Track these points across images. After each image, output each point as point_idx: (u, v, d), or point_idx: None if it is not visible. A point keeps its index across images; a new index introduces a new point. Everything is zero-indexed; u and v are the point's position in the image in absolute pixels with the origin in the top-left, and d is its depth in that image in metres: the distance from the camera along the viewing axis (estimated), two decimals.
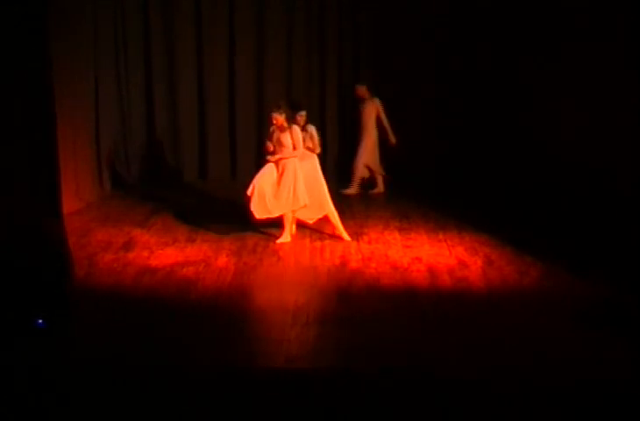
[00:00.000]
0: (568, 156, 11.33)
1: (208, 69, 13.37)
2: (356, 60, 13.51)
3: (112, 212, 11.54)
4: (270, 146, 10.08)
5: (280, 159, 9.99)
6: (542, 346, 7.21)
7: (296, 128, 10.04)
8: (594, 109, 10.63)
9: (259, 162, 10.97)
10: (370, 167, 12.68)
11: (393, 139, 12.51)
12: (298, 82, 13.45)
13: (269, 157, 10.05)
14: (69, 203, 10.37)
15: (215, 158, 13.56)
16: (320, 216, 10.32)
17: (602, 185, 10.40)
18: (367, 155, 12.61)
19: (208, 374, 6.63)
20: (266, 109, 11.60)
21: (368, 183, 12.79)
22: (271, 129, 10.10)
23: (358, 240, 10.24)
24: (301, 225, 10.50)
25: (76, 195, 11.46)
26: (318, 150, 10.41)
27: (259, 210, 9.97)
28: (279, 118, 9.97)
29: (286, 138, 9.97)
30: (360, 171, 12.67)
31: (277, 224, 10.31)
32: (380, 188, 12.77)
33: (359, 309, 8.16)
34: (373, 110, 12.50)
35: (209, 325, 7.66)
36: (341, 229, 10.28)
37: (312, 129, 10.43)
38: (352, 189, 12.62)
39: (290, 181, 9.98)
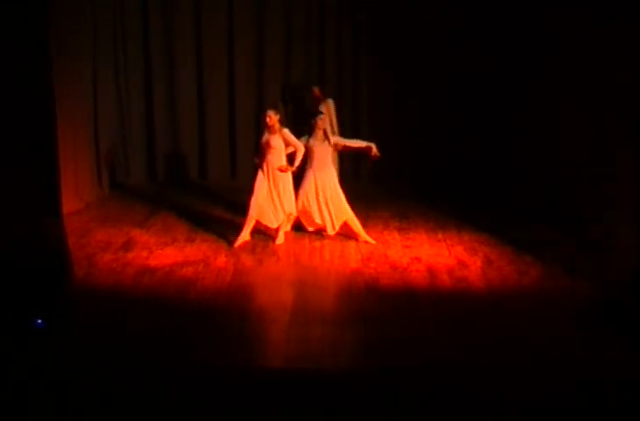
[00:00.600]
0: (568, 156, 11.34)
1: (207, 69, 13.36)
2: (356, 60, 13.50)
3: (112, 212, 11.54)
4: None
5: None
6: (542, 345, 7.21)
7: (287, 130, 9.97)
8: (594, 108, 10.63)
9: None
10: None
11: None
12: (298, 83, 13.42)
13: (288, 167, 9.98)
14: (69, 203, 10.36)
15: (215, 158, 13.55)
16: (340, 223, 10.28)
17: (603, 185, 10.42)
18: None
19: (207, 373, 6.63)
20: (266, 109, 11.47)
21: None
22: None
23: (357, 240, 10.23)
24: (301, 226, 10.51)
25: (76, 195, 11.45)
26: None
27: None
28: (273, 117, 9.88)
29: (276, 140, 9.89)
30: None
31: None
32: None
33: (358, 309, 8.16)
34: (326, 111, 12.41)
35: (208, 325, 7.66)
36: (363, 235, 10.21)
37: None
38: None
39: (280, 189, 9.95)
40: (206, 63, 13.34)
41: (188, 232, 10.50)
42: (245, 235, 9.98)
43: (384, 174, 13.09)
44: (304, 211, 10.27)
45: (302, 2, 13.33)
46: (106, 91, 12.78)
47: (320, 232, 10.37)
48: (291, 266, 9.48)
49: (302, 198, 10.21)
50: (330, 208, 10.21)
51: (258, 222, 10.06)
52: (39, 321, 7.25)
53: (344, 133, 13.53)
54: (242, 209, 10.29)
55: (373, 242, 10.16)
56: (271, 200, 9.99)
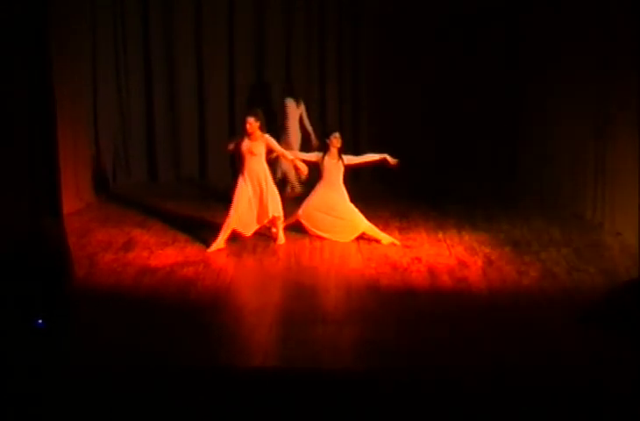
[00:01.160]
0: (569, 156, 11.35)
1: (207, 69, 13.35)
2: (356, 60, 13.49)
3: (112, 212, 11.53)
4: (231, 146, 9.98)
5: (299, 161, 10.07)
6: (542, 345, 7.21)
7: (269, 137, 9.92)
8: (594, 109, 10.63)
9: None
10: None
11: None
12: (298, 83, 13.40)
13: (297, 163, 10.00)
14: (69, 203, 10.37)
15: (215, 158, 13.54)
16: (357, 234, 10.22)
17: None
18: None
19: (207, 374, 6.63)
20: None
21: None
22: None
23: (357, 240, 10.23)
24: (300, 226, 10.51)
25: (76, 195, 11.45)
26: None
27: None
28: (253, 124, 9.78)
29: (257, 146, 9.82)
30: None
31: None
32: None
33: (358, 309, 8.16)
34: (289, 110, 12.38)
35: (208, 325, 7.65)
36: (386, 238, 10.13)
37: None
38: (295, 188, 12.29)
39: (264, 194, 9.89)
40: (206, 63, 13.34)
41: (188, 233, 10.49)
42: (220, 243, 9.86)
43: (384, 175, 13.07)
44: (310, 219, 10.27)
45: (302, 2, 13.33)
46: (106, 91, 12.79)
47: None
48: (292, 266, 9.47)
49: (308, 210, 10.20)
50: (343, 221, 10.19)
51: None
52: (40, 321, 7.25)
53: (344, 133, 13.59)
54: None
55: (398, 243, 10.08)
56: (250, 208, 9.93)
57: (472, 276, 8.98)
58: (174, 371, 6.63)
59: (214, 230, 10.47)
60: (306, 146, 12.09)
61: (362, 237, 10.21)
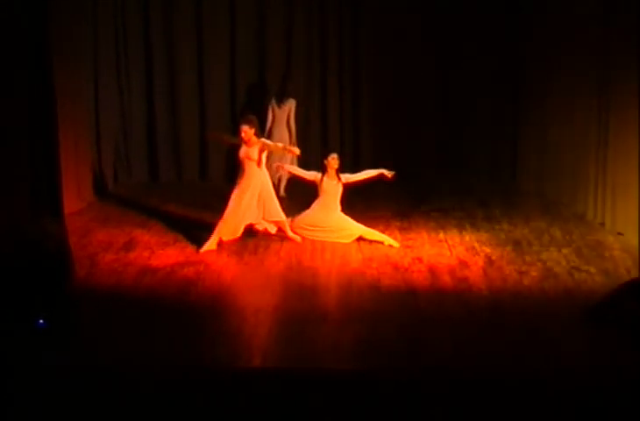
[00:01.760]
0: (570, 157, 11.35)
1: (208, 70, 13.35)
2: (357, 60, 13.49)
3: (113, 212, 11.53)
4: (225, 137, 10.23)
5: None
6: (542, 345, 7.21)
7: (265, 139, 9.96)
8: (594, 109, 10.64)
9: None
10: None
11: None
12: (298, 83, 13.41)
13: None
14: (70, 203, 10.36)
15: (215, 158, 13.54)
16: (354, 238, 10.19)
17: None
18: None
19: (207, 374, 6.63)
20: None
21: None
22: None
23: (358, 240, 10.22)
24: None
25: (77, 195, 11.44)
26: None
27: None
28: (248, 132, 9.79)
29: (254, 152, 9.81)
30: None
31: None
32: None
33: (359, 309, 8.16)
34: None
35: (209, 325, 7.66)
36: (386, 240, 10.09)
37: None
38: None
39: (262, 199, 9.91)
40: (207, 63, 13.33)
41: (189, 233, 10.49)
42: (211, 245, 9.84)
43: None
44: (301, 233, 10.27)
45: (303, 2, 13.33)
46: (107, 91, 12.77)
47: None
48: (292, 266, 9.47)
49: (299, 225, 10.20)
50: (337, 232, 10.20)
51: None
52: (41, 321, 7.25)
53: (343, 134, 13.61)
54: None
55: (397, 245, 10.05)
56: (243, 215, 9.91)
57: (472, 276, 8.98)
58: (174, 371, 6.63)
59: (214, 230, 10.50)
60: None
61: (362, 238, 10.21)
